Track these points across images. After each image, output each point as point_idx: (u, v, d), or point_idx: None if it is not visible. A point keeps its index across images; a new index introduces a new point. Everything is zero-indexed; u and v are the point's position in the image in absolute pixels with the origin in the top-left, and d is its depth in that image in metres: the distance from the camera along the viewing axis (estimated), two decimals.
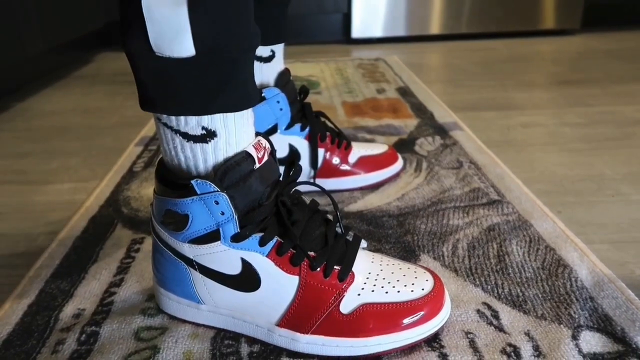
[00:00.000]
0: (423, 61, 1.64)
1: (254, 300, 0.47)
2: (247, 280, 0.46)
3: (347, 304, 0.45)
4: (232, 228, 0.45)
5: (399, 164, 0.81)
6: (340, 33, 2.02)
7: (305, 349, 0.46)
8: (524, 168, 0.85)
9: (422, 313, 0.46)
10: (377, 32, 1.95)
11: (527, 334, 0.48)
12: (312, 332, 0.46)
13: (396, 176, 0.81)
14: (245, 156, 0.45)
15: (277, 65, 0.73)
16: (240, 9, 0.41)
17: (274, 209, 0.46)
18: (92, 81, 1.56)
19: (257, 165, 0.45)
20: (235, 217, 0.44)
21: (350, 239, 0.49)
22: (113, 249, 0.64)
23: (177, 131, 0.44)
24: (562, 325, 0.49)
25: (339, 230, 0.49)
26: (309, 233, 0.47)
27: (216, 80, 0.42)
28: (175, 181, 0.45)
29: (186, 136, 0.44)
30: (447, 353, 0.46)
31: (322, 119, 0.80)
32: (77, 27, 1.65)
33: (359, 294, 0.46)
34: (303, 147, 0.74)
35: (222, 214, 0.44)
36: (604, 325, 0.48)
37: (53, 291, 0.56)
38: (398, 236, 0.64)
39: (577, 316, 0.50)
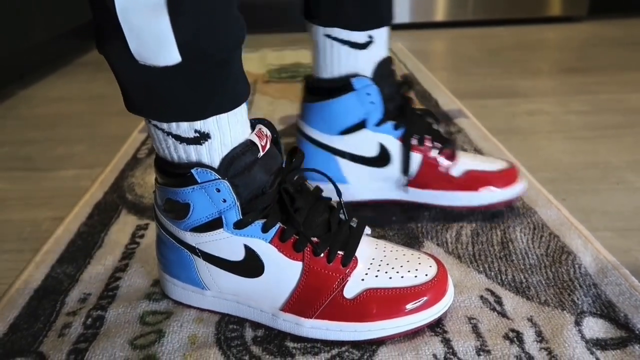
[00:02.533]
0: (428, 48, 1.63)
1: (258, 285, 0.47)
2: (251, 266, 0.46)
3: (351, 289, 0.46)
4: (235, 215, 0.45)
5: (519, 186, 0.65)
6: None
7: (309, 333, 0.46)
8: (529, 156, 0.84)
9: (425, 298, 0.46)
10: None
11: (530, 319, 0.48)
12: (315, 316, 0.46)
13: (514, 201, 0.65)
14: (249, 145, 0.45)
15: (376, 52, 0.63)
16: (224, 6, 0.39)
17: (277, 196, 0.46)
18: (95, 68, 1.55)
19: (261, 153, 0.45)
20: (238, 203, 0.44)
21: (354, 225, 0.49)
22: (118, 235, 0.64)
23: (169, 133, 0.43)
24: (565, 312, 0.49)
25: (343, 217, 0.49)
26: (312, 219, 0.47)
27: (206, 84, 0.41)
28: (174, 171, 0.45)
29: (179, 138, 0.43)
30: (450, 338, 0.46)
31: (429, 120, 0.67)
32: (80, 14, 1.65)
33: (362, 279, 0.46)
34: (395, 148, 0.63)
35: (224, 201, 0.44)
36: (607, 311, 0.49)
37: (59, 276, 0.57)
38: (402, 223, 0.64)
39: (580, 302, 0.50)
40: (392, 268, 0.47)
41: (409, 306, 0.45)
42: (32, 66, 1.48)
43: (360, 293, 0.46)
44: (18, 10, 1.27)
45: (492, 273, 0.55)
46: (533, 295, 0.51)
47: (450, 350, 0.45)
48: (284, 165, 0.48)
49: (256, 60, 1.56)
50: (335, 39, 0.61)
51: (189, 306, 0.51)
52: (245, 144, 0.45)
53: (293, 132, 0.97)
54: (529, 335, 0.46)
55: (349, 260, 0.46)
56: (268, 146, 0.46)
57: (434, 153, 0.64)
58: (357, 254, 0.47)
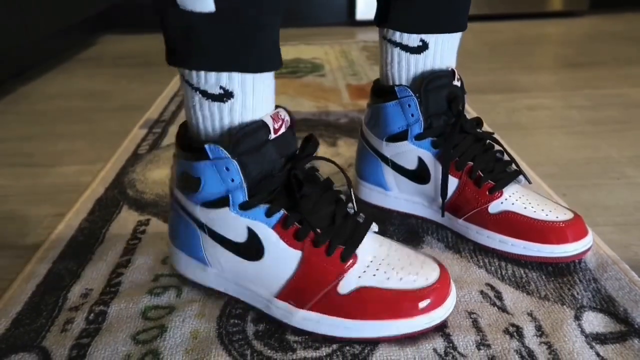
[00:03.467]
0: None
1: (257, 269, 0.47)
2: (252, 249, 0.47)
3: (346, 285, 0.46)
4: (241, 196, 0.46)
5: (571, 247, 0.54)
6: (344, 15, 2.00)
7: (299, 324, 0.46)
8: (530, 151, 0.84)
9: (423, 303, 0.45)
10: None
11: (530, 314, 0.48)
12: (308, 308, 0.46)
13: (582, 255, 0.55)
14: (261, 125, 0.45)
15: (431, 61, 0.59)
16: None
17: (285, 181, 0.46)
18: (95, 64, 1.55)
19: (273, 135, 0.46)
20: (245, 185, 0.45)
21: (361, 221, 0.49)
22: (119, 231, 0.65)
23: (197, 89, 0.45)
24: (565, 306, 0.49)
25: (352, 210, 0.49)
26: (318, 209, 0.47)
27: (235, 39, 0.43)
28: (191, 144, 0.47)
29: (205, 94, 0.45)
30: (450, 332, 0.46)
31: (487, 145, 0.60)
32: (79, 10, 1.65)
33: (359, 276, 0.46)
34: (433, 166, 0.59)
35: (232, 180, 0.45)
36: (607, 306, 0.49)
37: (61, 272, 0.57)
38: (402, 218, 0.65)
39: (580, 297, 0.50)
40: (392, 269, 0.47)
41: (405, 309, 0.45)
42: (32, 62, 1.48)
43: (354, 290, 0.45)
44: (18, 5, 1.27)
45: (492, 268, 0.55)
46: (533, 290, 0.51)
47: (451, 345, 0.45)
48: (297, 153, 0.49)
49: None
50: (389, 40, 0.59)
51: (194, 284, 0.52)
52: (257, 123, 0.45)
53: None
54: (528, 330, 0.46)
55: (349, 256, 0.46)
56: (283, 130, 0.47)
57: (472, 181, 0.57)
58: (358, 250, 0.47)
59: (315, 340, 0.46)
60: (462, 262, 0.56)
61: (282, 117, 0.47)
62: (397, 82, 0.61)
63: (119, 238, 0.63)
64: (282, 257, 0.46)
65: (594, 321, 0.47)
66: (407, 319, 0.45)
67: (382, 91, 0.61)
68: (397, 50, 0.59)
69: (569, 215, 0.55)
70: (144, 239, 0.63)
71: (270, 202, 0.46)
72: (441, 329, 0.47)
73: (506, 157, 0.60)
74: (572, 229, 0.54)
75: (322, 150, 0.86)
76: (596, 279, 0.52)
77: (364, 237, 0.47)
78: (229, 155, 0.44)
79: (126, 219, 0.67)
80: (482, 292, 0.51)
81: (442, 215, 0.60)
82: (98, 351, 0.46)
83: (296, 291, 0.46)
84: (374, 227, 0.49)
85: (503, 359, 0.43)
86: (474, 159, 0.58)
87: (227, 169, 0.45)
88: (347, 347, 0.45)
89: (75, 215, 0.69)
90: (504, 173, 0.58)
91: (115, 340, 0.47)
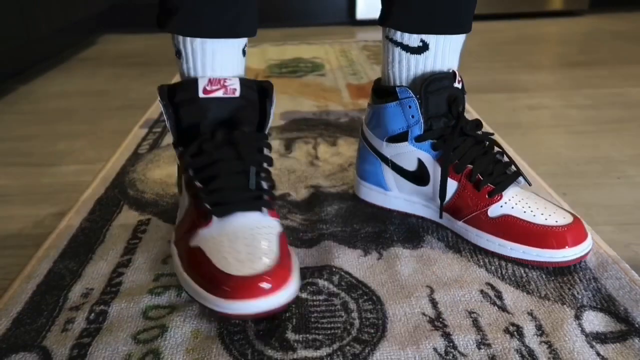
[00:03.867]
0: None
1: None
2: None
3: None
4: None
5: (568, 252, 0.53)
6: (344, 14, 2.00)
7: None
8: (530, 150, 0.84)
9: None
10: None
11: (530, 313, 0.48)
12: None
13: (582, 258, 0.54)
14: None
15: (432, 62, 0.59)
16: None
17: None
18: (95, 64, 1.55)
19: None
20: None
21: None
22: (120, 230, 0.65)
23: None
24: (565, 306, 0.49)
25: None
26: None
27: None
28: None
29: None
30: (451, 332, 0.46)
31: (487, 147, 0.60)
32: (80, 9, 1.65)
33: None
34: (432, 168, 0.59)
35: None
36: (607, 305, 0.49)
37: (61, 271, 0.57)
38: (403, 217, 0.65)
39: (580, 296, 0.50)
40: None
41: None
42: (32, 61, 1.48)
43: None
44: (17, 5, 1.27)
45: (493, 267, 0.55)
46: (533, 290, 0.51)
47: (451, 344, 0.45)
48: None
49: (256, 55, 1.55)
50: (391, 40, 0.60)
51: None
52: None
53: (293, 128, 0.97)
54: (529, 329, 0.46)
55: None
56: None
57: (471, 184, 0.57)
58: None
59: (315, 339, 0.46)
60: (462, 262, 0.56)
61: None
62: (397, 82, 0.61)
63: (119, 237, 0.63)
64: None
65: (595, 320, 0.47)
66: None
67: (383, 91, 0.61)
68: (397, 49, 0.59)
69: (568, 219, 0.55)
70: (145, 238, 0.63)
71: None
72: (442, 328, 0.47)
73: (505, 159, 0.60)
74: (571, 234, 0.53)
75: (322, 149, 0.86)
76: (596, 278, 0.52)
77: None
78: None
79: (127, 219, 0.67)
80: (482, 291, 0.51)
81: (440, 217, 0.61)
82: (99, 351, 0.46)
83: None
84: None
85: (503, 359, 0.44)
86: (474, 162, 0.58)
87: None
88: (348, 347, 0.46)
89: (75, 214, 0.69)
90: (504, 175, 0.58)
91: (116, 339, 0.47)
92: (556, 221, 0.54)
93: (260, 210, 0.51)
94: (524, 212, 0.55)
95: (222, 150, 0.52)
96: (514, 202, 0.56)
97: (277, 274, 0.46)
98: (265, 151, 0.56)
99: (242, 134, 0.53)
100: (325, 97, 1.15)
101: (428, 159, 0.59)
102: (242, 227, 0.50)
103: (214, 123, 0.53)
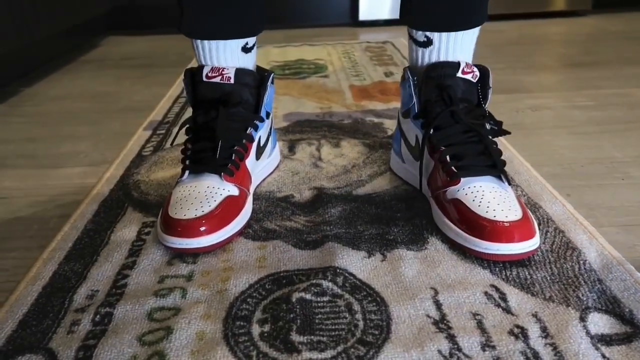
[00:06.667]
0: None
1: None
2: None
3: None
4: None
5: (504, 247, 0.54)
6: (347, 16, 2.00)
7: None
8: (533, 151, 0.84)
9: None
10: (385, 15, 1.93)
11: (535, 315, 0.48)
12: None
13: (528, 254, 0.55)
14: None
15: (435, 54, 0.66)
16: None
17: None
18: (99, 66, 1.56)
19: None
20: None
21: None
22: (124, 232, 0.65)
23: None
24: (570, 307, 0.49)
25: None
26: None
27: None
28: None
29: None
30: (455, 334, 0.46)
31: (477, 137, 0.62)
32: (83, 11, 1.65)
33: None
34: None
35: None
36: (612, 307, 0.49)
37: (67, 273, 0.57)
38: (407, 219, 0.65)
39: (585, 298, 0.50)
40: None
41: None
42: (36, 64, 1.48)
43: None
44: (21, 7, 1.27)
45: (497, 269, 0.55)
46: (538, 292, 0.51)
47: (456, 346, 0.45)
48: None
49: (259, 56, 1.56)
50: (408, 33, 0.69)
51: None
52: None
53: (297, 129, 0.97)
54: (533, 331, 0.46)
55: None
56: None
57: (440, 165, 0.62)
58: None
59: (320, 341, 0.46)
60: (467, 264, 0.56)
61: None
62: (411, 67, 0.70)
63: (124, 240, 0.63)
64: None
65: (599, 322, 0.47)
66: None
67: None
68: (410, 42, 0.69)
69: (518, 217, 0.55)
70: (149, 240, 0.63)
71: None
72: (446, 330, 0.47)
73: (497, 154, 0.61)
74: (517, 230, 0.54)
75: (326, 151, 0.86)
76: (601, 280, 0.52)
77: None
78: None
79: (131, 221, 0.67)
80: (486, 293, 0.51)
81: (420, 189, 0.69)
82: (104, 352, 0.46)
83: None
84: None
85: None
86: (450, 145, 0.62)
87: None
88: (352, 350, 0.46)
89: (80, 216, 0.69)
90: (474, 166, 0.60)
91: (121, 341, 0.47)
92: (506, 216, 0.55)
93: (219, 175, 0.63)
94: (473, 200, 0.57)
95: (207, 124, 0.65)
96: (469, 190, 0.58)
97: (212, 221, 0.59)
98: (250, 130, 0.68)
99: (223, 113, 0.65)
100: (328, 98, 1.15)
101: (421, 136, 0.67)
102: (201, 184, 0.62)
103: (210, 101, 0.66)
